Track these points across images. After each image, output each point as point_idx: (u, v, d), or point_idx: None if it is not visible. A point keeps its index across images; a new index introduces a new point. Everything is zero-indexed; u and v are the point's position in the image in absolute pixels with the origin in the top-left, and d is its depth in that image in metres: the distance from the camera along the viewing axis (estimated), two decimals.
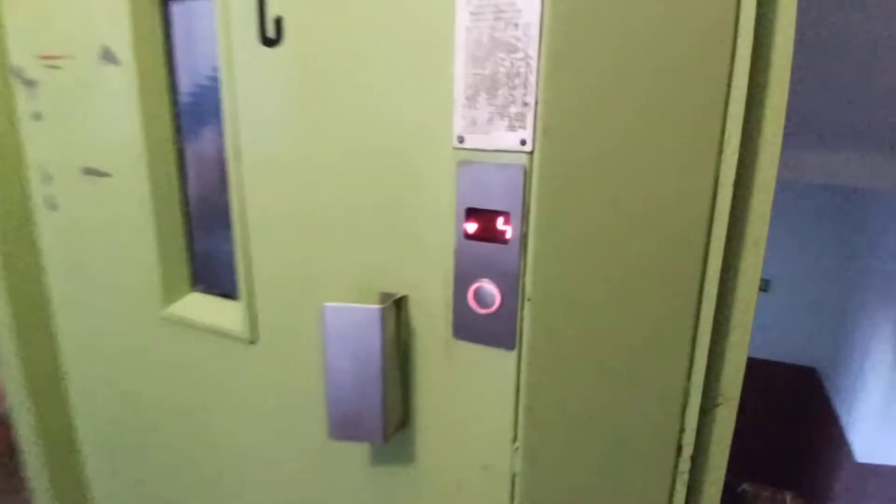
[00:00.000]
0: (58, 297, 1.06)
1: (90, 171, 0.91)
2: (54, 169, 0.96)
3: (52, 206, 0.98)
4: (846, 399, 2.91)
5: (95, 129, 0.89)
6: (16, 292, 1.01)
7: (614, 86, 0.53)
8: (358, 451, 0.77)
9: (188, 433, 0.96)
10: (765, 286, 3.88)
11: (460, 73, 0.57)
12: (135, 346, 0.97)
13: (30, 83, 0.93)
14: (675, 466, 0.63)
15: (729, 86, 0.54)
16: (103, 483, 1.15)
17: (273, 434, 0.85)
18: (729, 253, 0.59)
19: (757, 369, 3.78)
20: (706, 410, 0.64)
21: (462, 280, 0.62)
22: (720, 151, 0.55)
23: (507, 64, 0.54)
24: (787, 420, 3.57)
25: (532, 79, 0.53)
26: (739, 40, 0.53)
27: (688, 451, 0.63)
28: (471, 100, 0.57)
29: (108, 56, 0.83)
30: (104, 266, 0.97)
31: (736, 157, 0.55)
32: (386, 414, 0.68)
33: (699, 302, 0.58)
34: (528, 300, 0.59)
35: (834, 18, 1.61)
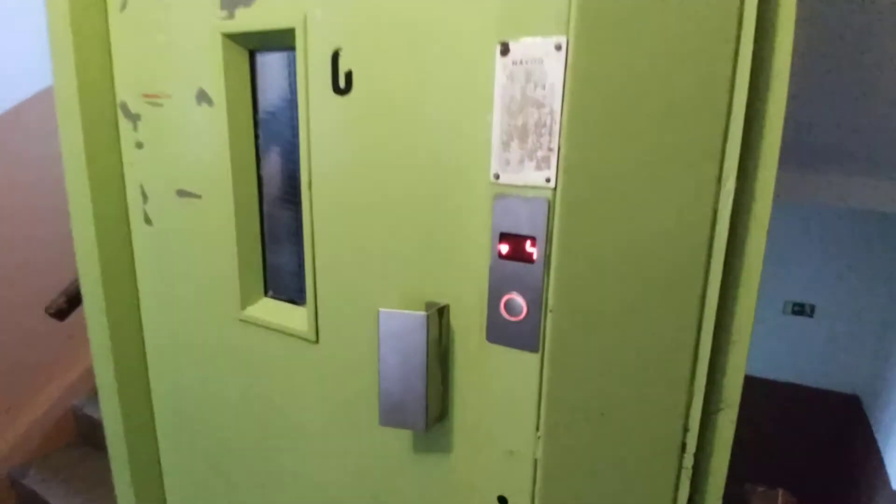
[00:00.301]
0: (147, 299, 1.17)
1: (183, 193, 1.03)
2: (151, 189, 1.08)
3: (148, 220, 1.10)
4: (886, 427, 2.84)
5: (189, 158, 1.01)
6: (112, 293, 1.13)
7: (623, 134, 0.62)
8: (403, 438, 0.85)
9: (255, 418, 1.05)
10: (809, 311, 3.79)
11: (497, 123, 0.67)
12: (215, 342, 1.07)
13: (133, 117, 1.06)
14: (680, 462, 0.69)
15: (725, 136, 0.61)
16: (174, 459, 1.25)
17: (330, 421, 0.94)
18: (728, 277, 0.66)
19: (800, 395, 3.69)
20: (709, 415, 0.70)
21: (495, 293, 0.70)
22: (718, 189, 0.62)
23: (535, 116, 0.64)
24: (828, 445, 3.47)
25: (556, 129, 0.63)
26: (734, 101, 0.60)
27: (691, 448, 0.69)
28: (505, 144, 0.67)
29: (203, 97, 0.95)
30: (190, 273, 1.08)
31: (732, 193, 0.62)
32: (428, 405, 0.76)
33: (700, 318, 0.65)
34: (550, 311, 0.66)
35: (874, 42, 1.63)
